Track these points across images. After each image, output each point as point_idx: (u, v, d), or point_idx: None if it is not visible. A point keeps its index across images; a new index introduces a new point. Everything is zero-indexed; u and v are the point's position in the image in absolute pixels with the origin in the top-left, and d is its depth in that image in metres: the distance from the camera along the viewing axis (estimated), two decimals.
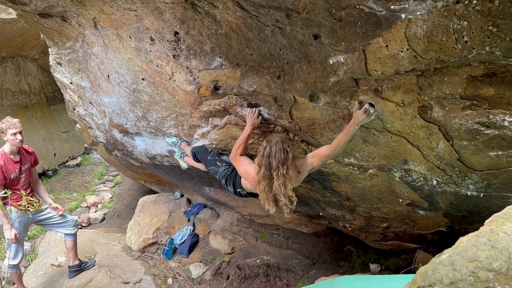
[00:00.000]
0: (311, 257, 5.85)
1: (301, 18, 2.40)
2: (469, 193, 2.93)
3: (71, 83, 5.11)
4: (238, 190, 3.60)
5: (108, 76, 4.23)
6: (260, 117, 3.23)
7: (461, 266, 0.97)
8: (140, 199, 7.74)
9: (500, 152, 2.42)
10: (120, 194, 10.43)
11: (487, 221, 1.11)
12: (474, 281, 0.94)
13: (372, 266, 5.20)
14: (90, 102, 5.10)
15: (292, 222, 6.08)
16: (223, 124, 3.68)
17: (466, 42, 1.99)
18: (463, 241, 1.05)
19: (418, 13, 2.02)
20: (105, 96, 4.62)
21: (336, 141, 2.81)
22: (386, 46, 2.24)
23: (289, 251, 6.10)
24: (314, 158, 3.01)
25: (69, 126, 11.77)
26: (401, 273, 4.26)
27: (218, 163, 3.84)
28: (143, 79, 3.79)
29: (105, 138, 5.90)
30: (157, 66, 3.48)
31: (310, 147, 3.40)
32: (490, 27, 1.89)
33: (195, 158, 4.21)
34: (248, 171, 3.27)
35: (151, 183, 8.55)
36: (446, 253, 1.05)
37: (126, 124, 4.83)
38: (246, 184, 3.43)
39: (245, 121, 3.31)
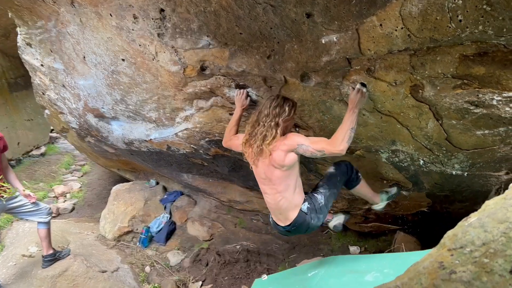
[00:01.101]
0: (291, 242, 5.91)
1: None
2: (454, 172, 3.02)
3: (42, 65, 4.87)
4: None
5: (84, 57, 4.05)
6: (248, 98, 3.18)
7: (491, 227, 0.99)
8: (114, 187, 7.53)
9: (486, 131, 2.50)
10: (89, 183, 10.12)
11: (511, 185, 1.13)
12: (506, 241, 0.95)
13: (352, 249, 5.31)
14: (63, 85, 4.88)
15: None
16: (209, 106, 3.61)
17: (460, 21, 2.01)
18: (489, 204, 1.07)
19: None
20: (80, 78, 4.43)
21: (336, 132, 2.64)
22: (380, 25, 2.24)
23: (268, 236, 6.13)
24: (311, 141, 2.70)
25: (33, 114, 11.22)
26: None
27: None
28: (123, 59, 3.65)
29: (78, 123, 5.68)
30: (139, 45, 3.36)
31: (297, 129, 3.40)
32: (484, 6, 1.92)
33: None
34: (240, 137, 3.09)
35: (124, 171, 8.34)
36: (474, 217, 1.07)
37: (102, 108, 4.66)
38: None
39: (232, 103, 3.27)
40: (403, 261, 3.00)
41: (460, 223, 1.10)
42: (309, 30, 2.51)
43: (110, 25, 3.43)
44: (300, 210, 2.89)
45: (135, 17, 3.19)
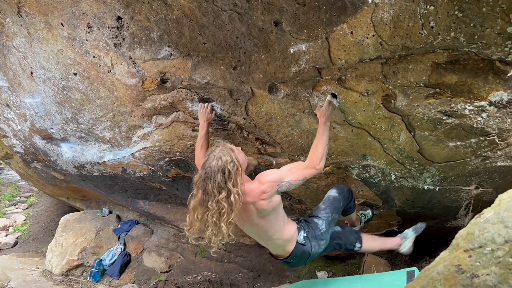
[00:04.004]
0: (255, 270, 5.65)
1: (262, 2, 2.27)
2: (425, 187, 2.97)
3: None
4: None
5: (32, 72, 3.74)
6: (213, 112, 3.00)
7: None
8: (63, 217, 7.02)
9: (458, 143, 2.46)
10: (35, 216, 9.46)
11: None
12: None
13: (319, 274, 5.12)
14: (7, 105, 4.48)
15: (235, 234, 5.81)
16: (169, 122, 3.39)
17: (432, 27, 1.98)
18: (504, 198, 0.94)
19: None
20: (27, 96, 4.08)
21: (312, 149, 2.47)
22: (351, 32, 2.18)
23: (231, 264, 5.84)
24: (290, 172, 2.43)
25: None
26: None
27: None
28: (75, 73, 3.38)
29: (23, 147, 5.24)
30: (94, 57, 3.13)
31: (265, 145, 3.24)
32: (456, 12, 1.90)
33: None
34: None
35: (74, 200, 7.82)
36: (489, 212, 0.93)
37: (51, 128, 4.30)
38: None
39: (195, 118, 3.07)
40: (378, 282, 2.87)
41: (473, 220, 0.96)
42: (277, 39, 2.41)
43: (61, 36, 3.18)
44: (297, 242, 2.62)
45: (89, 26, 2.97)
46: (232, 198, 2.20)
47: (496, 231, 0.88)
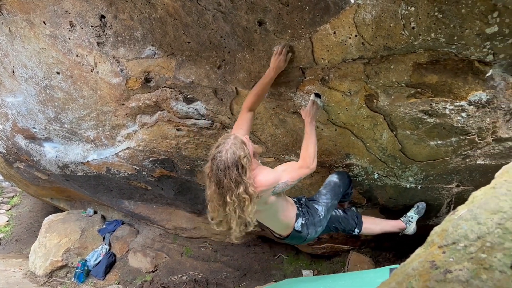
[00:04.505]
0: (241, 269, 5.65)
1: (246, 2, 2.27)
2: (408, 186, 3.01)
3: None
4: None
5: (14, 71, 3.68)
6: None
7: (485, 219, 0.88)
8: (46, 218, 6.95)
9: (439, 142, 2.50)
10: (19, 216, 9.35)
11: (497, 173, 1.04)
12: (503, 233, 0.84)
13: (305, 272, 5.14)
14: None
15: (221, 233, 5.83)
16: (154, 121, 3.37)
17: (413, 28, 2.01)
18: (477, 195, 0.96)
19: None
20: (8, 95, 4.02)
21: (303, 149, 2.49)
22: (334, 33, 2.20)
23: (217, 264, 5.84)
24: (286, 173, 2.40)
25: None
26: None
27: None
28: (58, 72, 3.34)
29: (5, 147, 5.15)
30: (77, 56, 3.09)
31: None
32: (436, 13, 1.93)
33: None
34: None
35: (58, 200, 7.72)
36: (462, 209, 0.95)
37: (34, 128, 4.24)
38: None
39: (180, 117, 3.06)
40: (361, 279, 2.90)
41: (448, 217, 0.98)
42: (261, 39, 2.42)
43: (43, 34, 3.14)
44: (294, 229, 2.62)
45: (72, 25, 2.93)
46: (250, 190, 2.18)
47: (469, 227, 0.90)
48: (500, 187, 0.93)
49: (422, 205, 3.27)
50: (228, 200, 2.18)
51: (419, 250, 0.96)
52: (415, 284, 0.87)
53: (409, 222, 3.26)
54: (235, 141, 2.22)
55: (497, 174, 1.05)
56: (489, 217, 0.88)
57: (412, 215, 3.27)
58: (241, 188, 2.17)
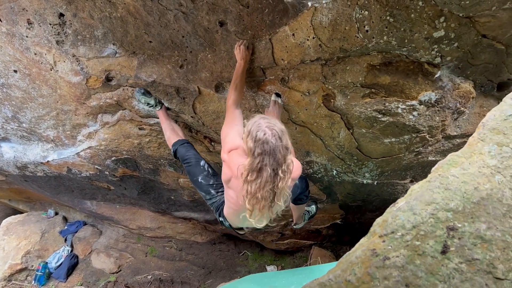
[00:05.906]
0: (206, 267, 5.67)
1: (207, 3, 2.30)
2: (365, 181, 3.13)
3: None
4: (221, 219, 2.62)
5: None
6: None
7: (420, 209, 0.96)
8: (4, 220, 6.71)
9: (393, 139, 2.63)
10: None
11: (433, 168, 1.14)
12: (435, 222, 0.93)
13: (269, 268, 5.24)
14: None
15: (186, 232, 5.83)
16: (115, 120, 3.34)
17: (367, 31, 2.10)
18: (415, 188, 1.05)
19: (323, 1, 2.07)
20: None
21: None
22: (293, 34, 2.27)
23: (183, 263, 5.83)
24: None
25: None
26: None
27: (213, 192, 2.67)
28: (15, 71, 3.24)
29: None
30: (35, 54, 3.02)
31: (213, 144, 3.28)
32: (388, 17, 2.03)
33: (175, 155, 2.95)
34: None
35: (17, 202, 7.46)
36: (401, 201, 1.04)
37: None
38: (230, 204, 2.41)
39: (142, 116, 3.05)
40: (321, 272, 2.98)
41: (388, 209, 1.06)
42: (223, 39, 2.46)
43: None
44: None
45: (29, 23, 2.86)
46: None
47: (406, 218, 0.98)
48: (434, 180, 1.02)
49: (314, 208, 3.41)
50: (281, 175, 1.98)
51: (362, 240, 1.04)
52: (358, 271, 0.95)
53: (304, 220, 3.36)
54: (273, 120, 2.05)
55: (433, 169, 1.14)
56: (424, 208, 0.97)
57: (310, 210, 3.38)
58: (288, 160, 2.01)
